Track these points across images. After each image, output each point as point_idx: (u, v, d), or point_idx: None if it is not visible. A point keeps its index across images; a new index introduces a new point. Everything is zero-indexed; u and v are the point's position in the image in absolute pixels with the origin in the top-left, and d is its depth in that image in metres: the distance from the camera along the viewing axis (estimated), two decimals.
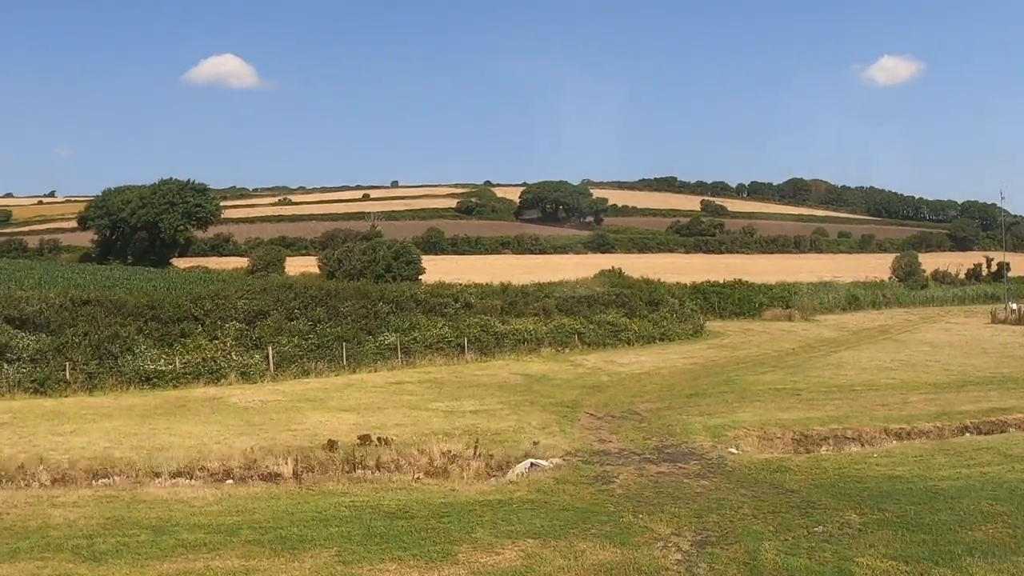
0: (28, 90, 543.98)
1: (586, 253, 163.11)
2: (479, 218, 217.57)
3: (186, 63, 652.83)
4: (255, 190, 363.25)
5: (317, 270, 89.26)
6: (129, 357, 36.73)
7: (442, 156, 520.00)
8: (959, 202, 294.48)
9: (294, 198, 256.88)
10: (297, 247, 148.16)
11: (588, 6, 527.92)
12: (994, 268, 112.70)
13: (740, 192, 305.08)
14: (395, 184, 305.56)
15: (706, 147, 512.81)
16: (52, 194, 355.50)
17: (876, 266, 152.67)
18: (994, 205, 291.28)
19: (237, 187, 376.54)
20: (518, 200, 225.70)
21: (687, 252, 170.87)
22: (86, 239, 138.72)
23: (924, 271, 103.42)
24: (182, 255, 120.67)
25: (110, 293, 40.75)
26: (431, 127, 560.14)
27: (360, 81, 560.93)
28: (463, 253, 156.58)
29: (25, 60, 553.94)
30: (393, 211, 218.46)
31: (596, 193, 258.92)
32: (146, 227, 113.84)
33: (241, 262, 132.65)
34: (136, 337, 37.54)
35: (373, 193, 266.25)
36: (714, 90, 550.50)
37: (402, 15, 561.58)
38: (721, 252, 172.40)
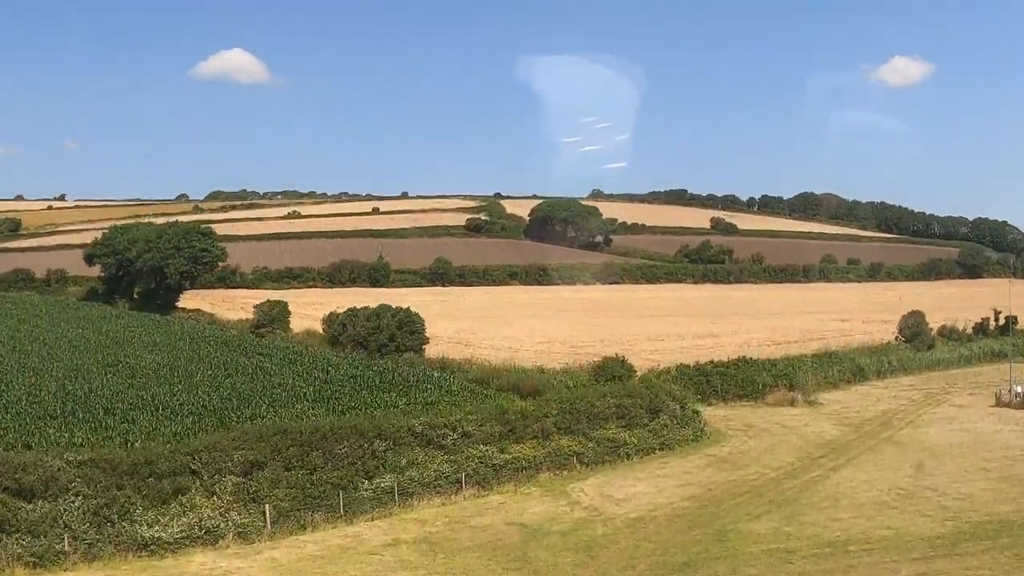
0: (36, 85, 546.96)
1: (594, 284, 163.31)
2: (488, 236, 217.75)
3: (194, 58, 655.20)
4: (265, 195, 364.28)
5: (321, 331, 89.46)
6: (125, 524, 36.89)
7: (453, 158, 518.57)
8: (969, 218, 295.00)
9: (303, 209, 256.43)
10: (304, 279, 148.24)
11: (600, 11, 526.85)
12: (1001, 321, 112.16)
13: (751, 206, 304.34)
14: (404, 195, 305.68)
15: (717, 157, 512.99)
16: (62, 197, 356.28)
17: (884, 302, 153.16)
18: (1005, 223, 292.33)
19: (247, 190, 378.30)
20: (527, 217, 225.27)
21: (695, 282, 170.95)
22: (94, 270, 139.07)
23: (931, 329, 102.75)
24: (191, 285, 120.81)
25: (105, 452, 40.54)
26: (442, 128, 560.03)
27: (371, 80, 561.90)
28: (470, 284, 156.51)
29: (32, 56, 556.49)
30: (402, 229, 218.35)
31: (605, 207, 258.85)
32: (152, 270, 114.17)
33: (248, 297, 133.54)
34: (133, 498, 37.69)
35: (383, 205, 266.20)
36: (724, 96, 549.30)
37: (416, 14, 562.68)
38: (729, 282, 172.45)
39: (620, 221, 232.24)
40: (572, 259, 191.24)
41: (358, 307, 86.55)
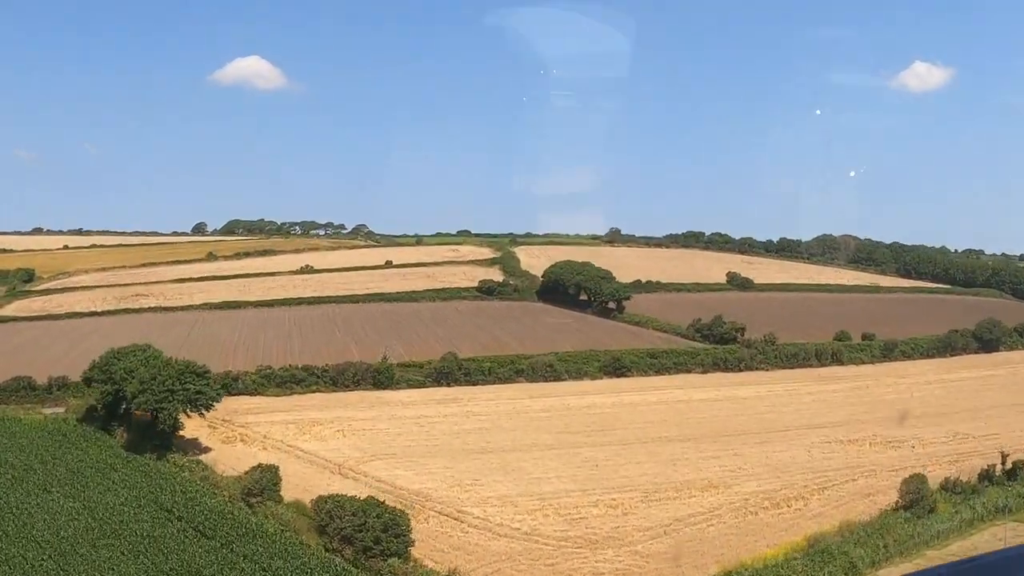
0: (54, 90, 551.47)
1: (601, 378, 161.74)
2: (500, 299, 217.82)
3: (213, 64, 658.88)
4: (282, 226, 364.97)
5: (311, 513, 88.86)
6: None
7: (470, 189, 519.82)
8: (987, 253, 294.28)
9: (317, 260, 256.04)
10: (308, 383, 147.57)
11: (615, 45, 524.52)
12: (1009, 465, 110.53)
13: (769, 249, 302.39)
14: (419, 240, 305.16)
15: (734, 194, 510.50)
16: (79, 231, 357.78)
17: (897, 400, 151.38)
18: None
19: (264, 219, 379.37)
20: (540, 277, 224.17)
21: (704, 371, 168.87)
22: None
23: (932, 492, 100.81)
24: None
25: None
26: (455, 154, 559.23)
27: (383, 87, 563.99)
28: (476, 383, 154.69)
29: (49, 62, 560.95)
30: (414, 292, 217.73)
31: (622, 256, 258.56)
32: (147, 410, 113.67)
33: (251, 412, 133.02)
34: None
35: (396, 255, 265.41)
36: (740, 131, 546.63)
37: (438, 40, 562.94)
38: (739, 369, 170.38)
39: (635, 279, 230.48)
40: (584, 333, 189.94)
41: (344, 497, 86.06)
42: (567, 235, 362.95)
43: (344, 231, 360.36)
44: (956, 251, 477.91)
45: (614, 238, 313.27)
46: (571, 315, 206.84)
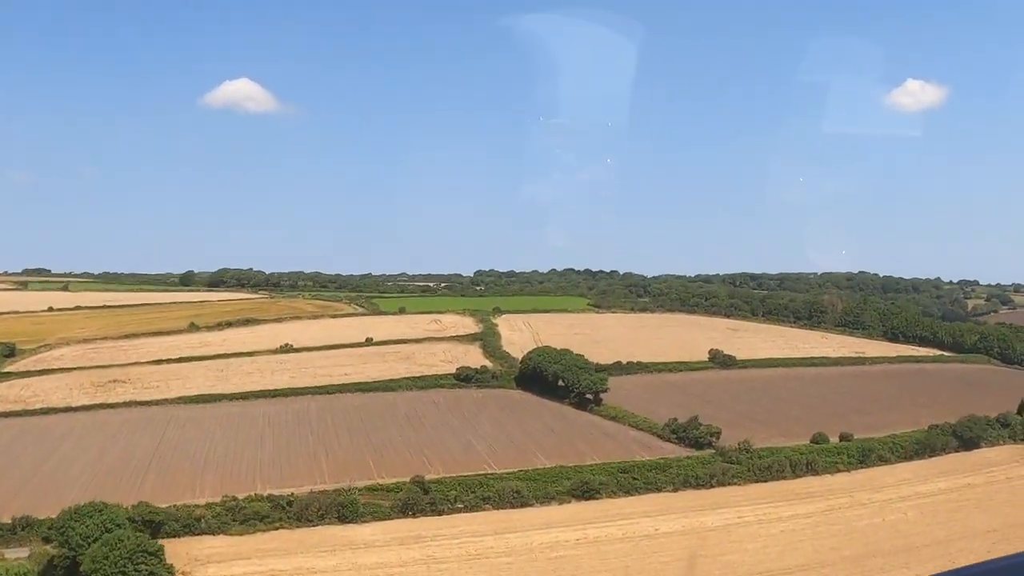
0: (48, 111, 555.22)
1: (570, 502, 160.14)
2: (478, 386, 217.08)
3: (203, 87, 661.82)
4: (271, 276, 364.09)
5: None
6: None
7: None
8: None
9: (298, 336, 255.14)
10: (271, 519, 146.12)
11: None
12: None
13: (756, 313, 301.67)
14: (402, 309, 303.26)
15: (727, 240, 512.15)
16: (66, 287, 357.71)
17: (867, 523, 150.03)
18: (1013, 329, 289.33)
19: (253, 269, 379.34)
20: (519, 364, 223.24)
21: (675, 489, 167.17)
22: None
23: None
24: None
25: None
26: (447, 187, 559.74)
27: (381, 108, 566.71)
28: (442, 512, 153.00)
29: (40, 84, 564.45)
30: (391, 380, 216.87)
31: (600, 323, 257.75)
32: None
33: (210, 560, 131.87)
34: None
35: (378, 328, 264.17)
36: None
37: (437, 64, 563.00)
38: (711, 486, 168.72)
39: (616, 358, 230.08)
40: (558, 435, 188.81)
41: None
42: (552, 291, 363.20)
43: (329, 285, 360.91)
44: (951, 282, 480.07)
45: (599, 302, 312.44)
46: (548, 408, 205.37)
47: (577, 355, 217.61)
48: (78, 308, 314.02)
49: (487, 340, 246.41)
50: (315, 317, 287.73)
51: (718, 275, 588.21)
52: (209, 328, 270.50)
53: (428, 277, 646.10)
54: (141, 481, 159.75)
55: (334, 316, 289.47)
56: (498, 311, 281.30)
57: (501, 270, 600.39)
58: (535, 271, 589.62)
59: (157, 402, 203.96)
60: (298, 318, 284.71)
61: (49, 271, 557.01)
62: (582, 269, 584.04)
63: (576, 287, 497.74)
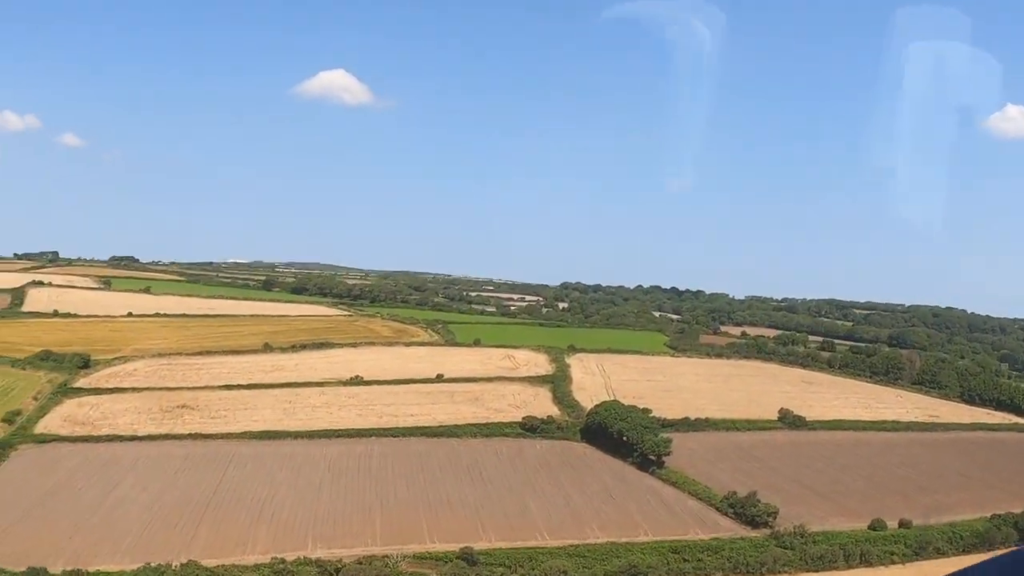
0: (141, 94, 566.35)
1: None
2: (543, 437, 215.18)
3: (300, 75, 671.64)
4: (354, 286, 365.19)
5: None
6: None
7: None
8: None
9: (370, 365, 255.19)
10: None
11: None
12: None
13: (832, 364, 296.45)
14: (477, 341, 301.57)
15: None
16: (147, 289, 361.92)
17: None
18: None
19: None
20: (586, 415, 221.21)
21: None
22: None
23: None
24: None
25: None
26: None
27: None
28: None
29: (136, 68, 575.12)
30: (456, 426, 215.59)
31: (683, 368, 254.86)
32: None
33: None
34: None
35: (451, 362, 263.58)
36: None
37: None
38: (762, 574, 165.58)
39: (684, 414, 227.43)
40: (615, 504, 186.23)
41: None
42: (632, 324, 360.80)
43: (412, 295, 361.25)
44: None
45: (675, 344, 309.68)
46: (610, 467, 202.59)
47: (643, 412, 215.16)
48: (157, 315, 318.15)
49: (558, 384, 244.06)
50: (389, 344, 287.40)
51: (804, 300, 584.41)
52: (283, 350, 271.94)
53: (513, 287, 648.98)
54: (194, 532, 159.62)
55: (408, 344, 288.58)
56: (572, 349, 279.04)
57: (587, 283, 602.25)
58: (621, 286, 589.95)
59: (222, 436, 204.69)
60: (372, 343, 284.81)
61: (136, 260, 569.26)
62: (668, 287, 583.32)
63: (658, 309, 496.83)
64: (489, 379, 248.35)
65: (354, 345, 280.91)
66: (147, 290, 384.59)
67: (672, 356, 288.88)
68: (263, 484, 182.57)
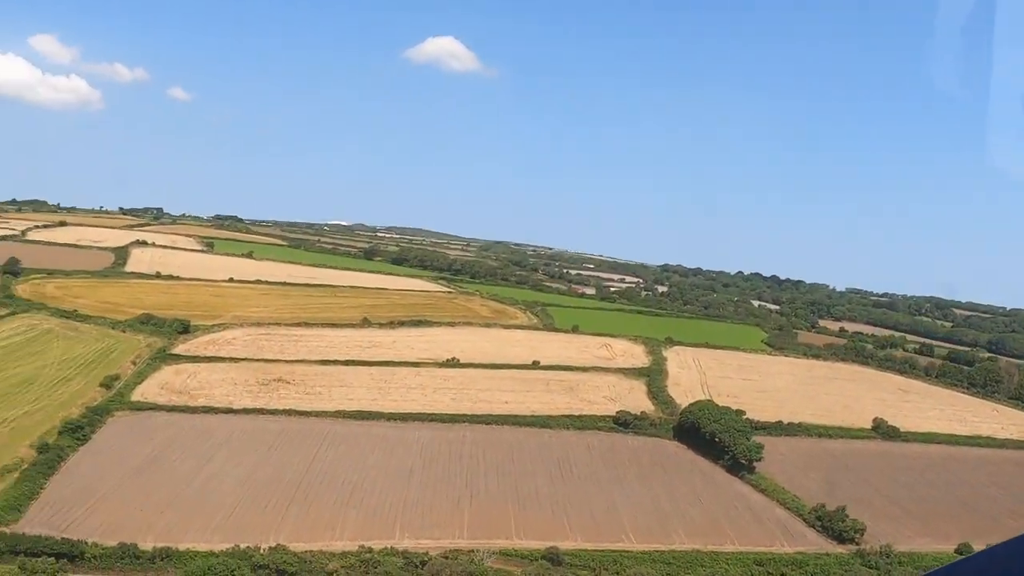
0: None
1: None
2: (636, 433, 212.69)
3: (409, 40, 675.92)
4: (455, 259, 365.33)
5: None
6: None
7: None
8: None
9: (467, 346, 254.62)
10: None
11: None
12: None
13: (930, 372, 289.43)
14: (575, 328, 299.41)
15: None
16: (250, 254, 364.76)
17: None
18: None
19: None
20: (679, 413, 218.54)
21: None
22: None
23: None
24: None
25: None
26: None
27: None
28: None
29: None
30: (549, 416, 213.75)
31: (778, 368, 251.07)
32: None
33: None
34: None
35: (548, 348, 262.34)
36: None
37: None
38: None
39: (777, 417, 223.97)
40: (703, 508, 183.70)
41: None
42: (730, 316, 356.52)
43: (512, 272, 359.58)
44: None
45: (773, 341, 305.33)
46: (700, 468, 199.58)
47: (737, 413, 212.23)
48: (258, 282, 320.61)
49: (653, 378, 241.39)
50: (487, 325, 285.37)
51: (904, 296, 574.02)
52: (381, 325, 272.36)
53: (614, 265, 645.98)
54: (284, 512, 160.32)
55: (506, 327, 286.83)
56: (670, 341, 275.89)
57: (688, 265, 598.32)
58: (722, 271, 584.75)
59: (317, 413, 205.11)
60: (470, 324, 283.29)
61: (239, 220, 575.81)
62: (768, 275, 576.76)
63: (758, 298, 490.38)
64: (585, 369, 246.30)
65: (452, 324, 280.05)
66: (249, 255, 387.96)
67: (769, 355, 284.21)
68: (354, 466, 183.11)
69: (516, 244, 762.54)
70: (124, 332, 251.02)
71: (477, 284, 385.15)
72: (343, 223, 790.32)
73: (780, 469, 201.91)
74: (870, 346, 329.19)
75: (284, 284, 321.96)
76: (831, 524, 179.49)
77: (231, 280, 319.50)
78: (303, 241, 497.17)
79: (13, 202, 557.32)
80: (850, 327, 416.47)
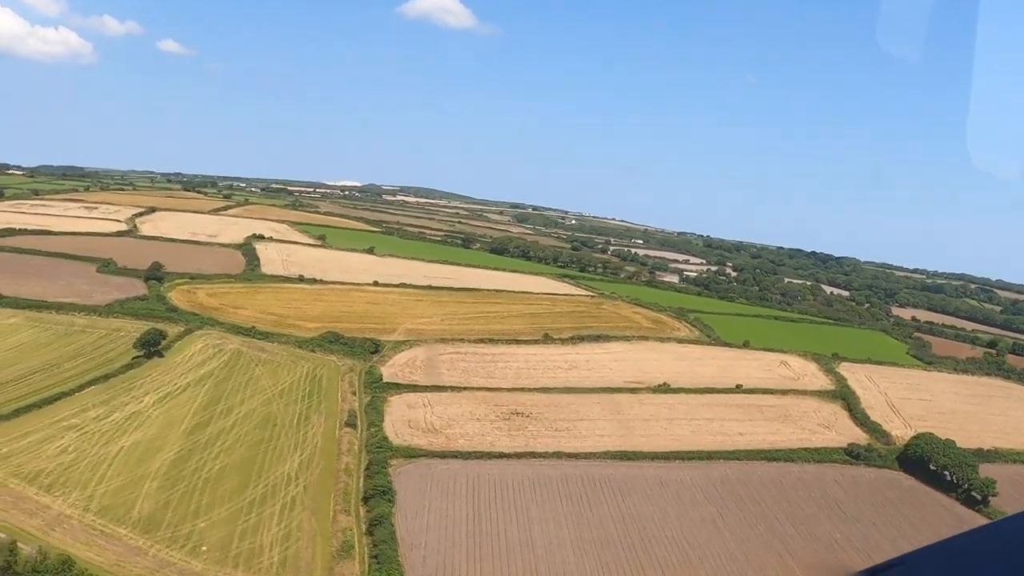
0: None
1: None
2: (866, 465, 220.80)
3: None
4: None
5: None
6: None
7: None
8: None
9: (660, 371, 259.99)
10: None
11: None
12: None
13: None
14: (745, 343, 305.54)
15: None
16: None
17: None
18: None
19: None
20: (893, 444, 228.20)
21: None
22: None
23: None
24: None
25: None
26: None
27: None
28: None
29: None
30: (789, 450, 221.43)
31: (938, 386, 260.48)
32: None
33: None
34: None
35: (729, 366, 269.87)
36: None
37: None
38: None
39: (971, 446, 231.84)
40: (944, 530, 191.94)
41: None
42: (850, 327, 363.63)
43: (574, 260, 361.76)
44: None
45: (920, 354, 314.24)
46: (940, 505, 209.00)
47: (962, 450, 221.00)
48: (403, 285, 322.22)
49: (849, 402, 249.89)
50: (662, 340, 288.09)
51: (943, 273, 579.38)
52: (563, 341, 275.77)
53: (663, 239, 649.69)
54: None
55: (680, 342, 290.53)
56: (836, 357, 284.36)
57: (728, 239, 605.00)
58: (764, 246, 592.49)
59: (585, 455, 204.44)
60: (645, 338, 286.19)
61: (287, 189, 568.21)
62: (809, 251, 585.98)
63: (812, 278, 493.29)
64: (784, 392, 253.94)
65: (628, 340, 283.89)
66: (370, 251, 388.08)
67: (925, 370, 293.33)
68: (660, 517, 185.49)
69: (543, 208, 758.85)
70: (314, 352, 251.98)
71: (596, 280, 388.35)
72: (350, 183, 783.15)
73: (1003, 500, 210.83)
74: (1010, 359, 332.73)
75: (429, 288, 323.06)
76: None
77: (376, 284, 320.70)
78: (382, 221, 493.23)
79: (47, 168, 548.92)
80: (921, 316, 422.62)
